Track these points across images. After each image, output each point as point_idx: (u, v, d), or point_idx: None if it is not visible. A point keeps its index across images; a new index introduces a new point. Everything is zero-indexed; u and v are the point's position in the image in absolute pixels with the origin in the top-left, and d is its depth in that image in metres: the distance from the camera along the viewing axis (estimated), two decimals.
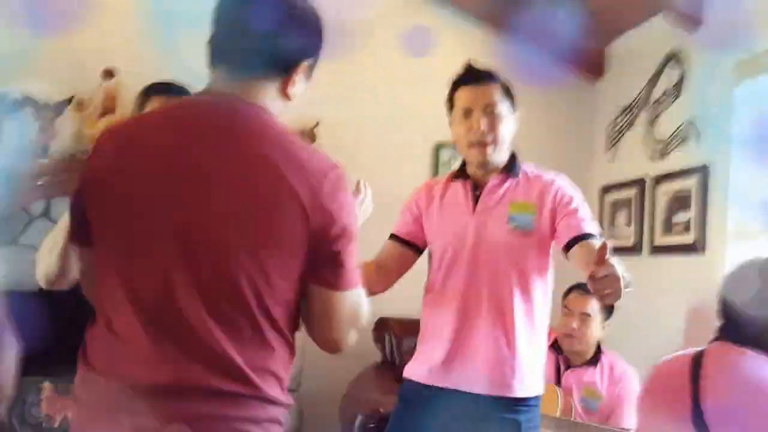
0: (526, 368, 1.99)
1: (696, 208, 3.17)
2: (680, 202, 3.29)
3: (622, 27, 3.82)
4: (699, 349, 1.70)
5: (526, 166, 2.11)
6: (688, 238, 3.20)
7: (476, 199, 2.05)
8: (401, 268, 2.15)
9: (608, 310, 2.93)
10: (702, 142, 3.21)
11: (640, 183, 3.60)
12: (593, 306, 2.87)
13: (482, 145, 2.00)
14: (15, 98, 3.19)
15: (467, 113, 2.01)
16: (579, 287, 2.92)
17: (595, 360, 2.91)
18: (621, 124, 3.83)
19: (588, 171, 4.08)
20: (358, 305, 1.32)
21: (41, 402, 3.03)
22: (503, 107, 2.02)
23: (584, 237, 1.91)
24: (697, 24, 3.26)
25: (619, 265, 1.59)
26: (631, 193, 3.67)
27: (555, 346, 2.93)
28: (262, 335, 1.23)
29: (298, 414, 3.24)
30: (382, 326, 3.52)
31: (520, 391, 1.98)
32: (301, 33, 1.29)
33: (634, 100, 3.72)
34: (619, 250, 3.62)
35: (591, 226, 1.98)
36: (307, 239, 1.21)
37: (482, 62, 2.09)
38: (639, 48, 3.75)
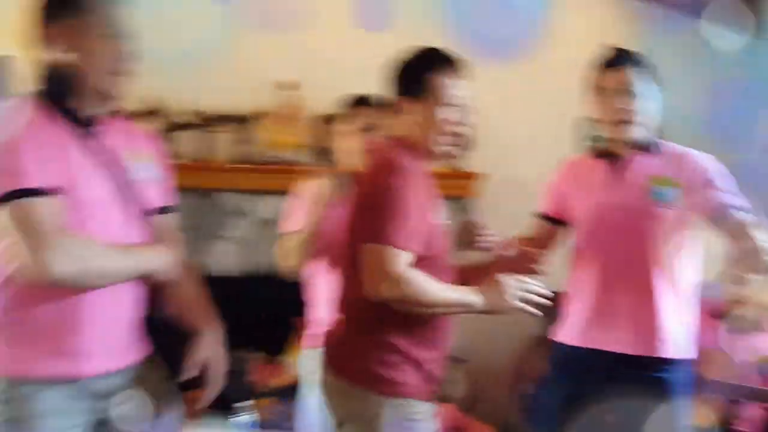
0: (670, 330, 2.08)
1: None
2: None
3: None
4: None
5: (669, 144, 2.19)
6: None
7: (617, 175, 2.16)
8: (552, 243, 2.30)
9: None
10: None
11: None
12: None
13: (624, 123, 2.10)
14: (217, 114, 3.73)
15: (609, 94, 2.11)
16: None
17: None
18: None
19: None
20: None
21: (251, 370, 3.57)
22: (643, 88, 2.11)
23: (726, 212, 2.06)
24: None
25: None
26: None
27: (724, 313, 2.88)
28: None
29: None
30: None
31: (663, 351, 2.08)
32: None
33: None
34: None
35: (734, 200, 2.07)
36: None
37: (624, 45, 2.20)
38: None
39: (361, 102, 2.41)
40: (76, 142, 1.56)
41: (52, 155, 1.50)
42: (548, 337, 3.43)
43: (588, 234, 2.20)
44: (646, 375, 2.07)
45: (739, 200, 2.08)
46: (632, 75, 2.11)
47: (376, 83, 1.98)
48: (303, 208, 2.40)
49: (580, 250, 2.22)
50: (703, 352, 2.85)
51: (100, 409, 1.61)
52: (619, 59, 2.14)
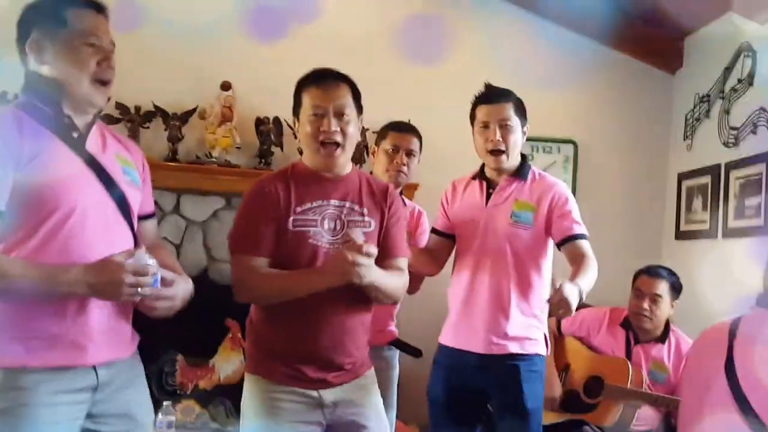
0: (520, 332, 2.39)
1: (766, 193, 3.29)
2: (751, 187, 3.43)
3: (699, 21, 3.96)
4: (737, 316, 1.82)
5: (535, 170, 2.51)
6: (759, 221, 3.33)
7: (489, 196, 2.47)
8: (445, 254, 2.61)
9: (677, 291, 3.15)
10: None
11: (714, 169, 3.74)
12: (663, 287, 3.10)
13: (497, 153, 2.41)
14: (147, 109, 3.70)
15: (485, 126, 2.42)
16: (647, 271, 3.18)
17: (663, 337, 3.13)
18: (698, 113, 3.97)
19: (666, 158, 4.26)
20: None
21: (176, 372, 3.50)
22: (514, 122, 2.41)
23: (573, 238, 2.38)
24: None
25: (572, 288, 2.07)
26: (706, 179, 3.81)
27: (625, 323, 3.18)
28: None
29: None
30: None
31: (514, 348, 2.38)
32: None
33: (710, 90, 3.86)
34: (694, 234, 3.81)
35: (580, 228, 2.41)
36: None
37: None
38: (715, 40, 3.86)
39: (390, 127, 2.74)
40: (63, 147, 1.62)
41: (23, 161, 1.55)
42: None
43: (460, 248, 2.53)
44: (500, 364, 2.38)
45: (582, 228, 2.42)
46: (507, 110, 2.41)
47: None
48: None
49: (455, 261, 2.55)
50: (608, 360, 3.10)
51: (97, 401, 1.65)
52: (495, 95, 2.44)
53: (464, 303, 2.46)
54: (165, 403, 3.37)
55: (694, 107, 4.00)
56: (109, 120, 3.57)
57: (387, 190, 2.06)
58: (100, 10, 1.71)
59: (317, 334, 1.92)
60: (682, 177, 4.09)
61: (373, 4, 4.07)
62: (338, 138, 1.93)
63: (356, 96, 2.00)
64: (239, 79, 3.75)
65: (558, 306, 2.06)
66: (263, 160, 3.76)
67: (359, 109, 2.01)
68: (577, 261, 2.32)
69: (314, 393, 1.93)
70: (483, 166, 2.53)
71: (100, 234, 1.63)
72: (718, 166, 3.72)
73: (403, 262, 2.05)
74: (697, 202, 3.91)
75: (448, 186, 2.66)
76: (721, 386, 1.70)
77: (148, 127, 3.71)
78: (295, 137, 2.42)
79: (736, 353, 1.71)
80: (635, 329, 3.15)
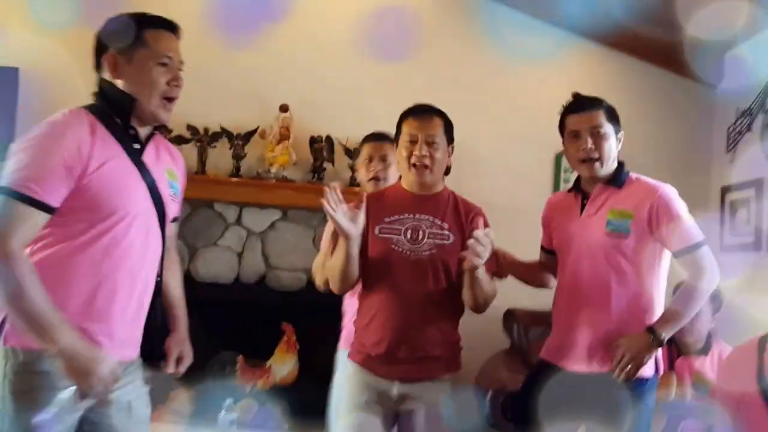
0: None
1: None
2: None
3: (739, 37, 4.02)
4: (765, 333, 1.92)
5: (635, 177, 2.35)
6: None
7: (583, 207, 2.34)
8: (552, 270, 2.49)
9: (717, 304, 3.14)
10: None
11: (758, 183, 3.78)
12: None
13: (590, 161, 2.30)
14: (215, 131, 4.01)
15: (576, 135, 2.32)
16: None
17: (705, 349, 3.10)
18: (740, 127, 4.02)
19: (709, 172, 4.31)
20: None
21: (236, 372, 3.73)
22: (607, 128, 2.31)
23: (686, 251, 2.21)
24: None
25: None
26: (750, 192, 3.85)
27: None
28: None
29: None
30: (510, 316, 3.95)
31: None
32: None
33: (751, 104, 3.91)
34: (739, 247, 3.83)
35: (693, 238, 2.22)
36: None
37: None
38: (755, 55, 3.92)
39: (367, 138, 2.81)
40: (125, 158, 1.73)
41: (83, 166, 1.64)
42: (514, 349, 3.63)
43: (562, 262, 2.40)
44: (608, 393, 2.18)
45: (696, 235, 2.23)
46: (598, 117, 2.31)
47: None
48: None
49: (559, 276, 2.42)
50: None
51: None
52: (584, 104, 2.36)
53: (565, 317, 2.34)
54: (228, 400, 3.62)
55: (736, 120, 4.05)
56: (181, 140, 3.91)
57: (471, 210, 2.28)
58: (175, 30, 1.82)
59: (399, 325, 2.15)
60: (725, 190, 4.13)
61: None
62: (427, 161, 2.20)
63: (448, 127, 2.27)
64: (296, 101, 4.01)
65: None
66: (316, 175, 4.02)
67: (450, 139, 2.28)
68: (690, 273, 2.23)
69: (385, 383, 2.17)
70: (578, 177, 2.41)
71: (140, 239, 1.75)
72: (761, 179, 3.76)
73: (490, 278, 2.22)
74: (741, 215, 3.94)
75: (546, 203, 2.58)
76: (754, 398, 1.79)
77: (215, 147, 4.02)
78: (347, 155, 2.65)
79: (766, 365, 1.78)
80: (677, 342, 3.14)
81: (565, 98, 2.45)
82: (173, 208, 1.89)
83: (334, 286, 2.23)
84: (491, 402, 3.54)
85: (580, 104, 2.36)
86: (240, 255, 4.08)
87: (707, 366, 3.09)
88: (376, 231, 2.20)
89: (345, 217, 2.07)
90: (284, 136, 3.94)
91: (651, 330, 2.17)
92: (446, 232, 2.20)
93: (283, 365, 3.76)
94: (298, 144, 4.02)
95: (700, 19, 3.81)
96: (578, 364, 2.27)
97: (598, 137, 2.29)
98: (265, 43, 4.05)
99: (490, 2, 4.26)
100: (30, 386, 1.61)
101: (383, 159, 2.67)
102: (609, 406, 2.18)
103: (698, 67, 4.23)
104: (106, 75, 1.77)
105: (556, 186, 4.25)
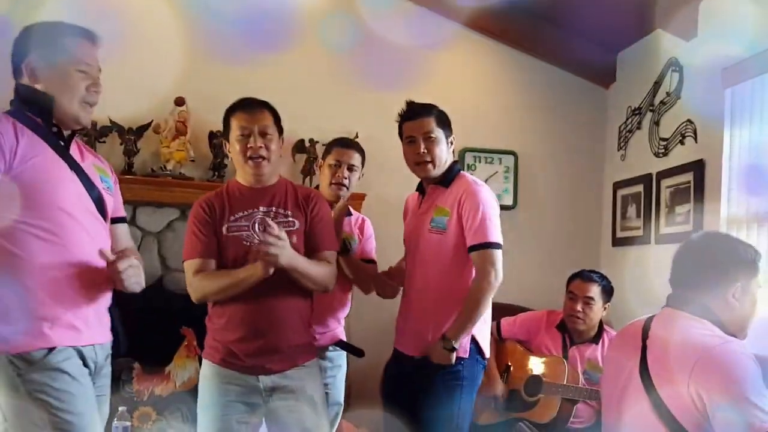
0: (436, 336, 2.44)
1: (694, 200, 3.51)
2: (681, 194, 3.64)
3: (629, 38, 4.20)
4: (652, 314, 2.01)
5: (464, 175, 2.58)
6: (688, 227, 3.54)
7: (420, 205, 2.62)
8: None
9: (608, 294, 3.34)
10: (699, 140, 3.55)
11: (646, 178, 3.96)
12: (595, 291, 3.29)
13: (423, 163, 2.52)
14: (103, 124, 3.78)
15: (411, 140, 2.54)
16: (580, 275, 3.37)
17: (597, 338, 3.32)
18: (630, 126, 4.20)
19: (602, 168, 4.50)
20: None
21: (133, 379, 3.57)
22: (438, 133, 2.53)
23: (476, 247, 2.41)
24: (692, 35, 3.63)
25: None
26: (639, 188, 4.03)
27: (561, 326, 3.36)
28: None
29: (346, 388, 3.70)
30: None
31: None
32: None
33: (641, 103, 4.09)
34: (629, 240, 4.01)
35: (485, 236, 2.41)
36: None
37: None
38: (645, 56, 4.11)
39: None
40: (52, 152, 1.84)
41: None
42: None
43: (405, 254, 2.69)
44: (428, 372, 2.44)
45: (491, 235, 2.42)
46: (429, 124, 2.52)
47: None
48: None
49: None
50: (546, 359, 3.27)
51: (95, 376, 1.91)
52: (417, 111, 2.56)
53: (403, 307, 2.64)
54: (120, 408, 3.44)
55: (627, 119, 4.23)
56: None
57: (309, 195, 2.38)
58: (94, 40, 1.94)
59: (254, 320, 2.19)
60: (617, 186, 4.31)
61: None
62: (263, 152, 2.26)
63: (277, 119, 2.33)
64: (192, 94, 3.85)
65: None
66: (216, 173, 3.87)
67: (280, 130, 2.34)
68: (477, 270, 2.47)
69: (252, 378, 2.19)
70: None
71: (85, 229, 1.86)
72: (650, 175, 3.94)
73: (329, 255, 2.33)
74: (632, 210, 4.13)
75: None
76: (636, 386, 1.85)
77: (104, 142, 3.79)
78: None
79: (649, 355, 1.86)
80: (570, 331, 3.32)
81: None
82: (110, 201, 1.99)
83: (220, 297, 2.27)
84: None
85: (413, 112, 2.57)
86: None
87: (598, 353, 3.28)
88: (224, 230, 2.25)
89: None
90: (181, 131, 3.78)
91: (443, 337, 2.41)
92: (291, 219, 2.28)
93: (184, 370, 3.62)
94: (196, 139, 3.87)
95: (594, 20, 3.97)
96: (405, 347, 2.56)
97: (429, 141, 2.51)
98: (158, 32, 3.86)
99: None
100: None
101: (351, 168, 2.76)
102: (429, 384, 2.45)
103: (592, 66, 4.41)
104: (25, 80, 1.87)
105: None
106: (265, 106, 2.34)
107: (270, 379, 2.22)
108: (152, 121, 3.83)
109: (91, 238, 1.87)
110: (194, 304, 3.07)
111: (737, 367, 1.68)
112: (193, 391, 3.56)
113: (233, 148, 2.31)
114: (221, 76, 3.93)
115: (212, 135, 3.88)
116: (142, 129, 3.81)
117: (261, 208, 2.26)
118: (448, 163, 2.58)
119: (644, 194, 3.97)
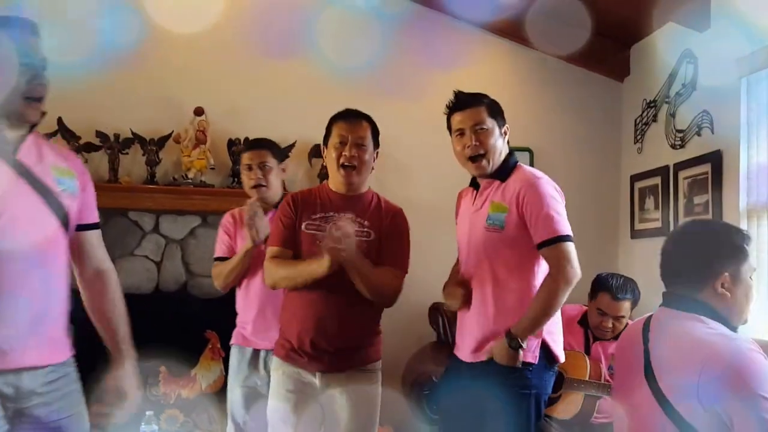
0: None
1: (712, 191, 3.49)
2: (698, 185, 3.63)
3: (643, 31, 4.19)
4: (650, 314, 1.95)
5: (519, 166, 2.36)
6: (706, 218, 3.47)
7: (474, 202, 2.39)
8: None
9: (637, 301, 3.21)
10: (715, 131, 3.53)
11: (664, 170, 3.95)
12: (626, 308, 3.17)
13: (475, 159, 2.31)
14: (126, 137, 3.89)
15: (461, 133, 2.34)
16: (609, 290, 3.17)
17: (620, 334, 3.15)
18: (646, 118, 4.19)
19: (618, 162, 4.49)
20: None
21: (159, 382, 3.68)
22: (490, 123, 2.32)
23: (547, 243, 2.19)
24: (705, 27, 3.61)
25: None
26: (656, 180, 4.02)
27: (583, 321, 3.30)
28: None
29: None
30: (435, 311, 4.00)
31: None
32: None
33: (656, 96, 4.08)
34: (648, 232, 3.99)
35: (549, 229, 2.18)
36: None
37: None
38: (658, 48, 4.09)
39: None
40: None
41: None
42: (440, 342, 3.64)
43: (460, 255, 2.47)
44: (489, 380, 2.22)
45: (560, 229, 2.19)
46: (480, 114, 2.31)
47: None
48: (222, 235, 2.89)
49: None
50: (568, 354, 3.24)
51: (21, 403, 1.65)
52: (466, 101, 2.36)
53: (461, 311, 2.39)
54: (147, 413, 3.52)
55: (642, 112, 4.22)
56: (90, 147, 3.78)
57: (392, 211, 2.40)
58: (33, 31, 1.73)
59: (318, 317, 2.26)
60: (634, 179, 4.29)
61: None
62: (355, 162, 2.32)
63: (375, 132, 2.40)
64: (211, 104, 3.93)
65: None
66: (236, 180, 3.92)
67: (376, 143, 2.40)
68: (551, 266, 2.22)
69: (310, 375, 2.28)
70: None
71: (30, 245, 1.65)
72: (667, 167, 3.92)
73: (394, 271, 2.30)
74: (650, 202, 4.11)
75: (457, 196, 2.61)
76: (643, 389, 1.79)
77: (127, 153, 3.90)
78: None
79: (652, 358, 1.80)
80: (592, 328, 3.26)
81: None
82: (71, 205, 1.77)
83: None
84: (418, 394, 3.58)
85: (461, 102, 2.37)
86: (159, 264, 3.98)
87: None
88: (303, 227, 2.32)
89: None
90: (200, 140, 3.86)
91: (508, 334, 2.19)
92: (366, 230, 2.30)
93: (209, 372, 3.70)
94: (215, 148, 3.95)
95: (607, 14, 3.96)
96: (467, 354, 2.33)
97: (481, 133, 2.30)
98: (175, 44, 3.95)
99: (409, 3, 4.29)
100: None
101: (262, 166, 2.77)
102: (492, 392, 2.20)
103: (606, 60, 4.40)
104: None
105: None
106: (366, 118, 2.39)
107: (326, 376, 2.28)
108: (173, 131, 3.92)
109: (32, 251, 1.66)
110: (218, 309, 3.17)
111: (745, 366, 1.62)
112: (219, 393, 3.66)
113: (329, 155, 2.37)
114: (239, 84, 4.02)
115: (231, 143, 3.97)
116: (163, 139, 3.91)
117: (340, 214, 2.28)
118: (503, 155, 2.35)
119: (662, 186, 3.96)
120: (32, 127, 1.75)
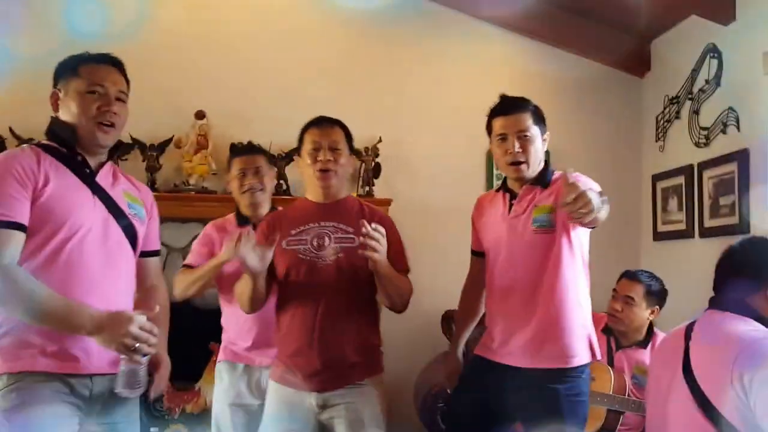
0: (564, 343, 2.25)
1: (739, 191, 3.33)
2: (725, 186, 3.46)
3: (664, 25, 4.01)
4: (695, 318, 1.98)
5: (559, 174, 2.33)
6: (733, 220, 3.36)
7: (511, 207, 2.36)
8: (484, 271, 2.49)
9: (656, 297, 3.14)
10: (741, 128, 3.37)
11: (687, 170, 3.77)
12: (637, 290, 3.09)
13: (517, 164, 2.31)
14: (125, 142, 3.76)
15: (503, 138, 2.33)
16: (627, 274, 3.17)
17: (646, 341, 3.11)
18: (668, 115, 4.01)
19: (639, 161, 4.32)
20: None
21: (163, 397, 3.55)
22: (533, 131, 2.32)
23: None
24: (731, 19, 3.44)
25: (591, 192, 1.93)
26: (680, 179, 3.84)
27: (606, 329, 3.18)
28: None
29: None
30: (448, 319, 3.83)
31: (553, 362, 2.25)
32: None
33: (679, 92, 3.90)
34: (672, 234, 3.82)
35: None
36: None
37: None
38: (680, 43, 3.92)
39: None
40: (74, 179, 1.84)
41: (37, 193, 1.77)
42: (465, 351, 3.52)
43: (492, 261, 2.41)
44: (541, 385, 2.23)
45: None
46: (525, 120, 2.31)
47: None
48: (201, 245, 2.85)
49: (489, 276, 2.43)
50: (592, 367, 3.09)
51: (88, 408, 1.80)
52: (511, 106, 2.34)
53: (501, 315, 2.36)
54: (152, 429, 3.42)
55: (664, 109, 4.05)
56: None
57: (377, 216, 2.33)
58: (114, 64, 1.94)
59: (311, 334, 2.19)
60: (656, 178, 4.13)
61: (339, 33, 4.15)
62: (331, 165, 2.26)
63: (348, 136, 2.35)
64: (212, 107, 3.82)
65: (576, 205, 1.89)
66: None
67: (351, 148, 2.36)
68: None
69: (305, 394, 2.20)
70: (506, 178, 2.43)
71: (102, 255, 1.83)
72: (691, 166, 3.75)
73: (404, 274, 2.29)
74: (673, 203, 3.95)
75: (476, 203, 2.58)
76: (681, 388, 1.81)
77: (126, 160, 3.77)
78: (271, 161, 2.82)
79: (692, 355, 1.84)
80: (616, 334, 3.15)
81: (496, 94, 2.41)
82: (140, 230, 1.96)
83: (243, 308, 2.30)
84: (432, 405, 3.44)
85: (506, 106, 2.36)
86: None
87: (647, 358, 3.08)
88: (283, 245, 2.25)
89: (255, 258, 2.10)
90: (202, 144, 3.76)
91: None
92: (351, 235, 2.23)
93: (214, 386, 3.57)
94: (217, 153, 3.82)
95: (626, 8, 3.80)
96: (516, 359, 2.29)
97: (525, 140, 2.30)
98: (176, 47, 3.83)
99: (424, 2, 4.18)
100: (20, 402, 1.71)
101: (256, 172, 2.73)
102: (544, 397, 2.23)
103: (625, 55, 4.23)
104: (53, 111, 1.92)
105: (489, 184, 4.17)
106: (338, 123, 2.36)
107: (322, 396, 2.20)
108: (173, 136, 3.81)
109: (108, 266, 1.85)
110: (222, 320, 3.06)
111: None
112: None
113: (304, 162, 2.33)
114: (241, 87, 3.90)
115: (233, 147, 3.83)
116: (163, 144, 3.80)
117: (323, 224, 2.26)
118: (542, 162, 2.36)
119: (685, 186, 3.79)
120: (111, 155, 1.98)
